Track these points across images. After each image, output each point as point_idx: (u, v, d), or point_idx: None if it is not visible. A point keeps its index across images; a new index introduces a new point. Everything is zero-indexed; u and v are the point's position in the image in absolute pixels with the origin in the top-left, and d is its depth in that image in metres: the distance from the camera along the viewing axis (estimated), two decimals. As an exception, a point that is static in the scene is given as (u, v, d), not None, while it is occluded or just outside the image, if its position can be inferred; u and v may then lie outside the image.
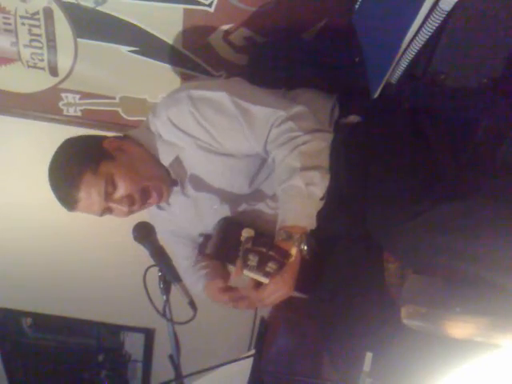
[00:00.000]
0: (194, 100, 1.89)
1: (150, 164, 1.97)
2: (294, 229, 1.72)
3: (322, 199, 1.78)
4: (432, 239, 1.66)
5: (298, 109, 1.86)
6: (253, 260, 1.65)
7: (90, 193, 1.85)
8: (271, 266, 1.65)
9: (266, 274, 1.67)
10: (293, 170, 1.75)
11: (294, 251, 1.69)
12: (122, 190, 1.87)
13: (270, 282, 1.70)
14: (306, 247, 1.72)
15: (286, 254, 1.68)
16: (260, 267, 1.66)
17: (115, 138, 2.03)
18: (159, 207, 2.16)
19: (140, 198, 1.90)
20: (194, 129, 1.90)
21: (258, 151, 1.91)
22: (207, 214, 2.08)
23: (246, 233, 1.73)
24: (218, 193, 2.02)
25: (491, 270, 1.63)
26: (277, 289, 1.74)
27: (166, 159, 1.98)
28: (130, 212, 1.92)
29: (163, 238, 1.92)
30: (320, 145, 1.82)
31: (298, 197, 1.74)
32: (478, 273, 1.64)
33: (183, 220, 2.19)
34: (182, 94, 1.92)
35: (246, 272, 1.69)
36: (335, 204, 1.84)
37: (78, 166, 1.85)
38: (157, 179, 1.95)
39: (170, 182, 2.03)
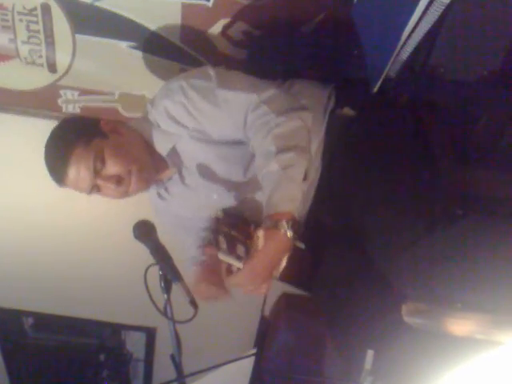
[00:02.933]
0: (185, 89, 1.90)
1: (143, 150, 1.99)
2: (278, 215, 1.64)
3: (304, 179, 1.72)
4: (430, 269, 1.67)
5: (270, 91, 1.84)
6: (222, 242, 1.64)
7: (79, 167, 1.88)
8: (240, 249, 1.64)
9: (239, 258, 1.66)
10: (268, 155, 1.71)
11: (260, 233, 1.61)
12: (110, 167, 1.90)
13: (241, 270, 1.67)
14: (291, 233, 1.63)
15: (248, 235, 1.65)
16: (231, 250, 1.64)
17: (114, 120, 2.06)
18: (160, 196, 2.19)
19: (128, 178, 1.92)
20: (186, 119, 1.92)
21: (242, 138, 1.91)
22: (207, 204, 2.09)
23: (214, 214, 1.73)
24: (217, 182, 2.02)
25: (491, 299, 1.64)
26: (246, 278, 1.68)
27: (163, 148, 2.01)
28: (118, 192, 1.94)
29: (168, 229, 1.91)
30: (294, 124, 1.76)
31: (278, 182, 1.67)
32: (478, 301, 1.65)
33: (184, 209, 2.21)
34: (175, 85, 1.94)
35: (220, 255, 1.68)
36: (330, 200, 1.83)
37: (70, 140, 1.90)
38: (145, 165, 1.97)
39: (164, 172, 2.07)
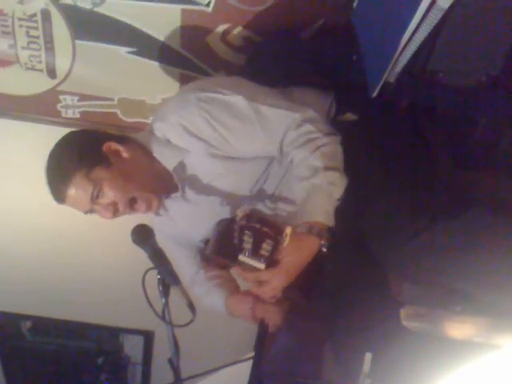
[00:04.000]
0: (205, 103, 1.88)
1: (147, 171, 1.97)
2: (314, 223, 1.73)
3: (338, 200, 1.79)
4: (432, 259, 1.69)
5: (311, 112, 1.88)
6: (248, 241, 1.65)
7: (77, 193, 1.87)
8: (265, 248, 1.65)
9: (261, 258, 1.67)
10: (315, 170, 1.77)
11: (288, 230, 1.67)
12: (108, 197, 1.89)
13: (275, 273, 1.71)
14: (324, 241, 1.72)
15: (279, 231, 1.68)
16: (255, 250, 1.66)
17: (117, 140, 1.99)
18: (157, 213, 2.15)
19: (124, 207, 1.91)
20: (207, 132, 1.89)
21: (272, 152, 1.91)
22: (208, 217, 2.04)
23: (241, 211, 1.73)
24: (221, 195, 2.01)
25: (492, 293, 1.65)
26: (274, 276, 1.73)
27: (170, 163, 1.97)
28: (114, 217, 1.93)
29: (165, 245, 1.91)
30: (337, 148, 1.84)
31: (320, 194, 1.75)
32: (478, 294, 1.66)
33: (183, 224, 2.18)
34: (191, 97, 1.90)
35: (240, 257, 1.68)
36: None
37: (72, 166, 1.87)
38: (148, 190, 1.95)
39: (168, 188, 2.04)
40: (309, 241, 1.72)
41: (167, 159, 1.97)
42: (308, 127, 1.83)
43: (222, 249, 1.86)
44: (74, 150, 1.93)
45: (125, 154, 1.95)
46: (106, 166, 1.90)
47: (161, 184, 2.01)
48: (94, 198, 1.87)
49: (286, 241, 1.68)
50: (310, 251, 1.74)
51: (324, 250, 1.73)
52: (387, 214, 1.81)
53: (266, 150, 1.91)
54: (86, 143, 1.96)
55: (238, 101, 1.88)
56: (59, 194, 1.90)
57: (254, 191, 1.99)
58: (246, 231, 1.67)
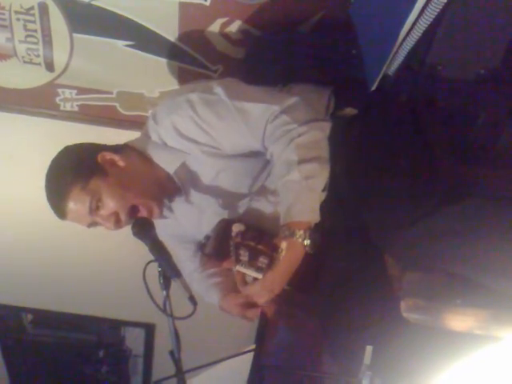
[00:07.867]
0: (193, 103, 1.87)
1: (145, 178, 1.96)
2: (296, 225, 1.66)
3: (323, 190, 1.75)
4: (432, 245, 1.68)
5: (291, 101, 1.84)
6: (244, 255, 1.64)
7: (76, 206, 1.86)
8: (262, 261, 1.63)
9: (259, 269, 1.65)
10: (290, 165, 1.72)
11: (283, 245, 1.62)
12: (108, 208, 1.87)
13: (260, 279, 1.67)
14: (309, 242, 1.66)
15: (274, 248, 1.66)
16: (251, 262, 1.64)
17: (112, 150, 1.98)
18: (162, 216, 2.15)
19: (126, 216, 1.89)
20: (196, 133, 1.89)
21: (258, 149, 1.90)
22: (211, 218, 2.06)
23: (236, 227, 1.71)
24: (222, 195, 2.01)
25: (492, 277, 1.65)
26: (264, 287, 1.71)
27: (170, 167, 1.96)
28: (117, 227, 1.92)
29: (167, 243, 1.91)
30: (316, 135, 1.78)
31: (298, 191, 1.70)
32: (478, 279, 1.66)
33: (187, 226, 2.19)
34: (181, 99, 1.90)
35: (238, 267, 1.67)
36: (330, 199, 1.84)
37: (68, 180, 1.87)
38: (148, 197, 1.93)
39: (171, 192, 2.03)
40: (294, 246, 1.66)
41: (167, 163, 1.97)
42: (283, 118, 1.79)
43: (218, 251, 1.87)
44: (69, 164, 1.92)
45: (120, 163, 1.93)
46: (103, 177, 1.89)
47: (162, 189, 1.99)
48: (94, 210, 1.86)
49: (282, 255, 1.65)
50: (296, 256, 1.69)
51: (309, 251, 1.69)
52: (387, 204, 1.80)
53: (251, 145, 1.90)
54: (80, 156, 1.95)
55: (219, 98, 1.87)
56: (60, 211, 1.89)
57: (255, 189, 1.99)
58: (242, 247, 1.66)
